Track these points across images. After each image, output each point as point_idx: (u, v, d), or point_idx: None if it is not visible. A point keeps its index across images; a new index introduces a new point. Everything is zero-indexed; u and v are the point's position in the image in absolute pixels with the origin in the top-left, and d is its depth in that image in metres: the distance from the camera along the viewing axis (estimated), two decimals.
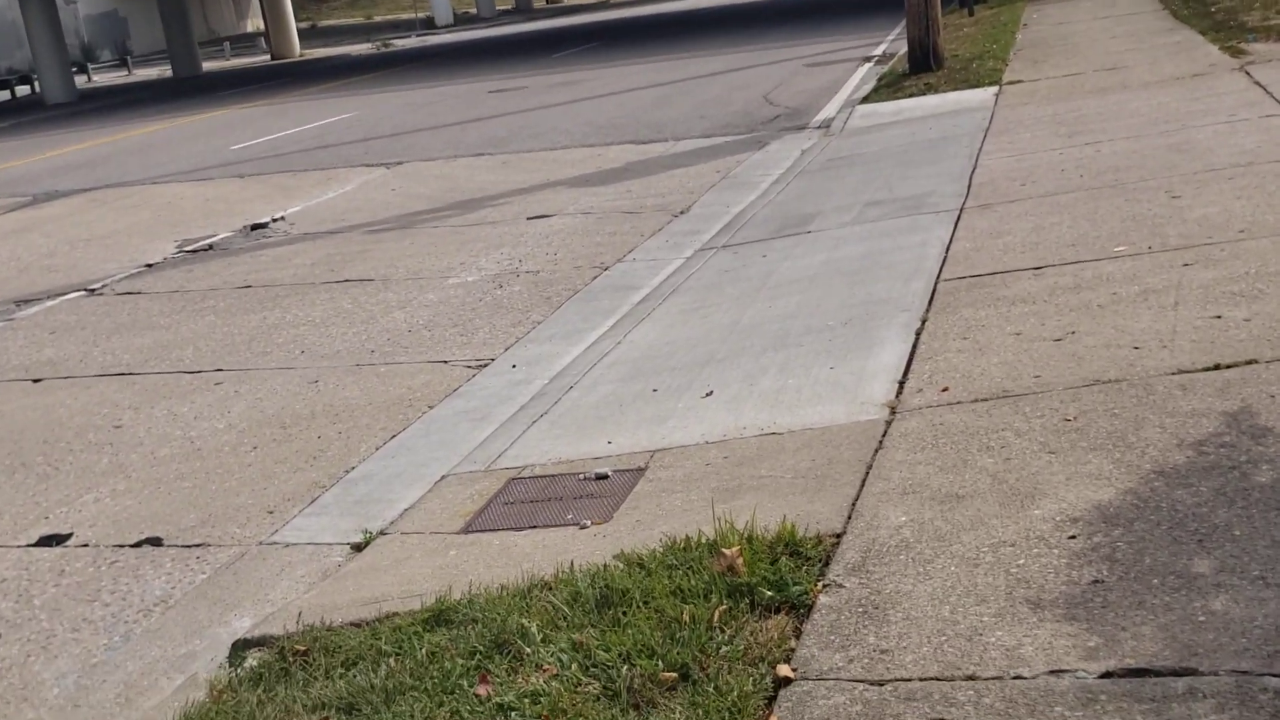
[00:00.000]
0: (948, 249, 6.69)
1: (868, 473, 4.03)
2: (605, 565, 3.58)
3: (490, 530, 4.31)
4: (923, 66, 13.42)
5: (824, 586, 3.29)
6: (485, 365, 6.53)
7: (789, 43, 22.36)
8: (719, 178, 10.61)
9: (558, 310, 7.34)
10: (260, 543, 4.79)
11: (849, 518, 3.71)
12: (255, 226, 11.11)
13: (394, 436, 5.65)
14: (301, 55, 41.93)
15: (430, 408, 5.97)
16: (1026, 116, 10.25)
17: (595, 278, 7.93)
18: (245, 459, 5.71)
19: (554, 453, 4.94)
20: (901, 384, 4.83)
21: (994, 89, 11.92)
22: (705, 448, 4.64)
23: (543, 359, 6.43)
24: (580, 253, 8.66)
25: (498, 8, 55.94)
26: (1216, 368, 4.27)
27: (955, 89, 12.35)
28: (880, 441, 4.28)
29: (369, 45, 41.64)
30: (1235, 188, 6.65)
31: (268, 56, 42.82)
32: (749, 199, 9.44)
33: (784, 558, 3.44)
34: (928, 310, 5.69)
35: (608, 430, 5.07)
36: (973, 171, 8.53)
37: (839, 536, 3.60)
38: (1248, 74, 10.15)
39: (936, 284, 6.08)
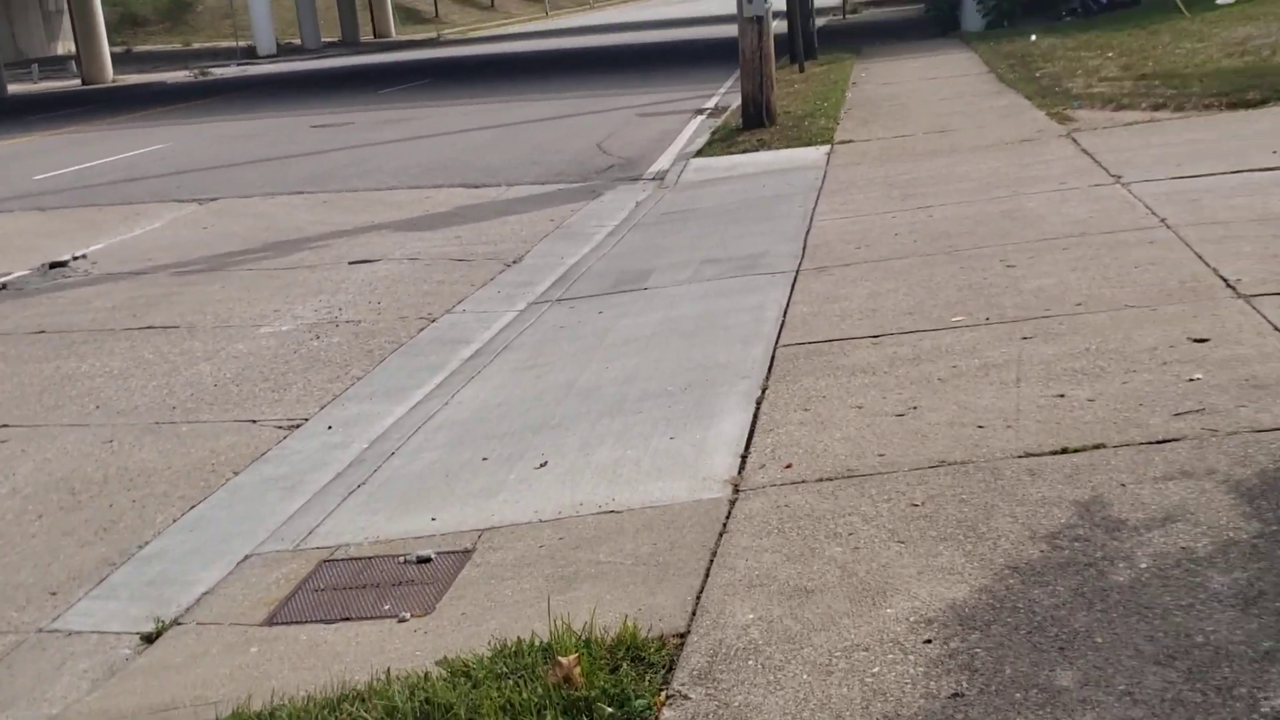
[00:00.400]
0: (785, 313, 6.55)
1: (712, 560, 3.79)
2: (426, 674, 3.23)
3: (297, 622, 3.91)
4: (756, 122, 13.45)
5: (668, 698, 3.02)
6: (298, 426, 6.10)
7: (621, 91, 22.34)
8: (553, 227, 10.35)
9: (380, 365, 6.95)
10: (40, 629, 4.30)
11: (694, 614, 3.46)
12: (54, 265, 10.35)
13: (193, 507, 5.18)
14: (115, 81, 40.17)
15: (235, 474, 5.51)
16: (859, 177, 10.30)
17: (421, 330, 7.55)
18: (29, 529, 5.17)
19: (371, 530, 4.56)
20: (744, 458, 4.62)
21: (826, 148, 11.99)
22: (539, 527, 4.33)
23: (362, 420, 6.03)
24: (406, 302, 8.27)
25: (323, 39, 54.82)
26: (1064, 451, 4.18)
27: (788, 146, 12.39)
28: (724, 524, 4.05)
29: (187, 73, 40.15)
30: (1070, 259, 6.69)
31: (78, 81, 40.89)
32: (584, 251, 9.20)
33: (625, 664, 3.15)
34: (767, 378, 5.51)
35: (432, 504, 4.72)
36: (807, 232, 8.47)
37: (683, 636, 3.33)
38: (1075, 141, 10.40)
39: (775, 350, 5.92)
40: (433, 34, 62.14)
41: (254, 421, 6.19)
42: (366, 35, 60.08)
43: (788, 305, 6.68)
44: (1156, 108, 11.51)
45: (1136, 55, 16.04)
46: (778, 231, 8.66)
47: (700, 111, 18.01)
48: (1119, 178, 8.65)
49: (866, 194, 9.53)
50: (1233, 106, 10.94)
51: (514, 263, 9.14)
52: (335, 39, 57.24)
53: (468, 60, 38.12)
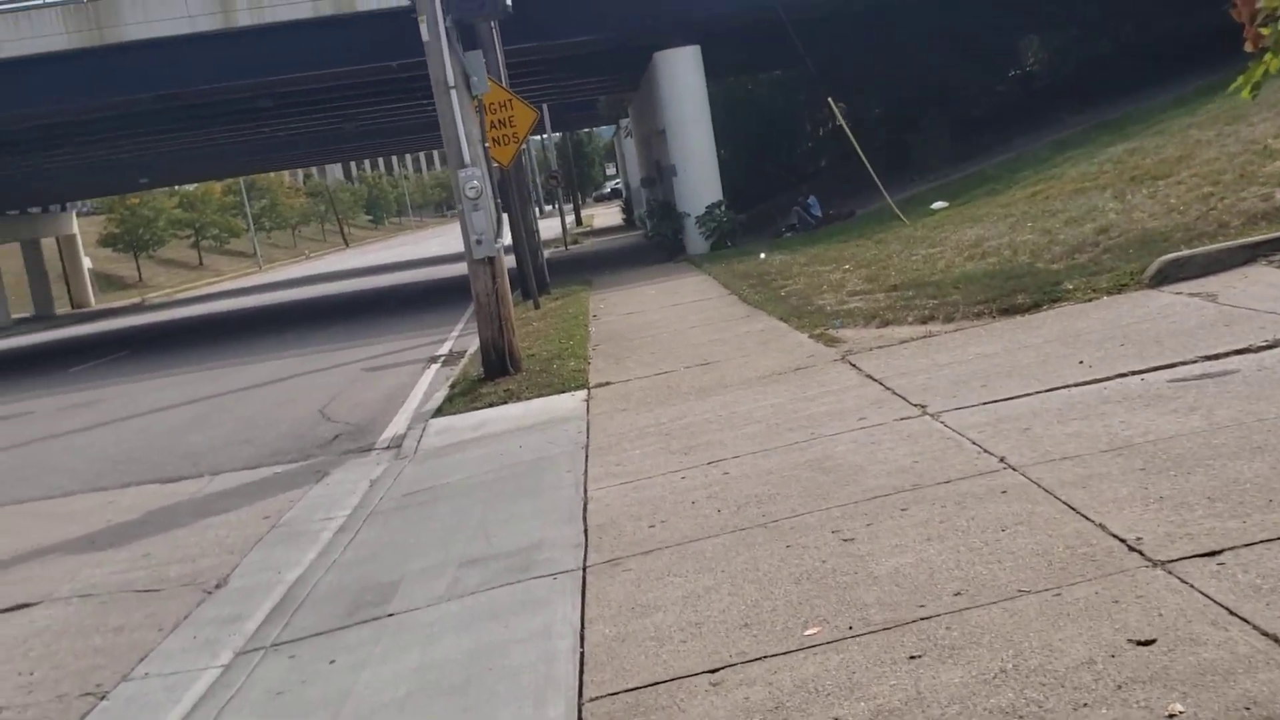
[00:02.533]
0: (582, 638, 4.98)
1: None
2: None
3: None
4: (500, 370, 12.06)
5: None
6: None
7: (344, 344, 20.74)
8: (268, 527, 8.49)
9: None
10: None
11: None
12: None
13: None
14: None
15: None
16: (628, 427, 8.96)
17: (87, 715, 5.54)
18: None
19: None
20: None
21: (583, 393, 10.67)
22: None
23: None
24: (69, 667, 6.21)
25: (14, 315, 51.01)
26: None
27: (540, 395, 11.01)
28: None
29: None
30: (916, 524, 5.42)
31: None
32: (308, 558, 7.40)
33: None
34: None
35: None
36: (585, 507, 6.98)
37: None
38: (854, 365, 9.41)
39: (582, 708, 4.30)
40: (136, 299, 59.18)
41: None
42: (64, 307, 56.56)
43: (583, 626, 5.11)
44: (925, 320, 10.78)
45: (875, 266, 15.70)
46: (549, 509, 7.14)
47: (434, 360, 16.58)
48: (924, 407, 7.60)
49: (643, 448, 8.17)
50: (1005, 313, 10.29)
51: (217, 586, 7.22)
52: (27, 314, 53.55)
53: (173, 325, 35.80)
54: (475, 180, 11.62)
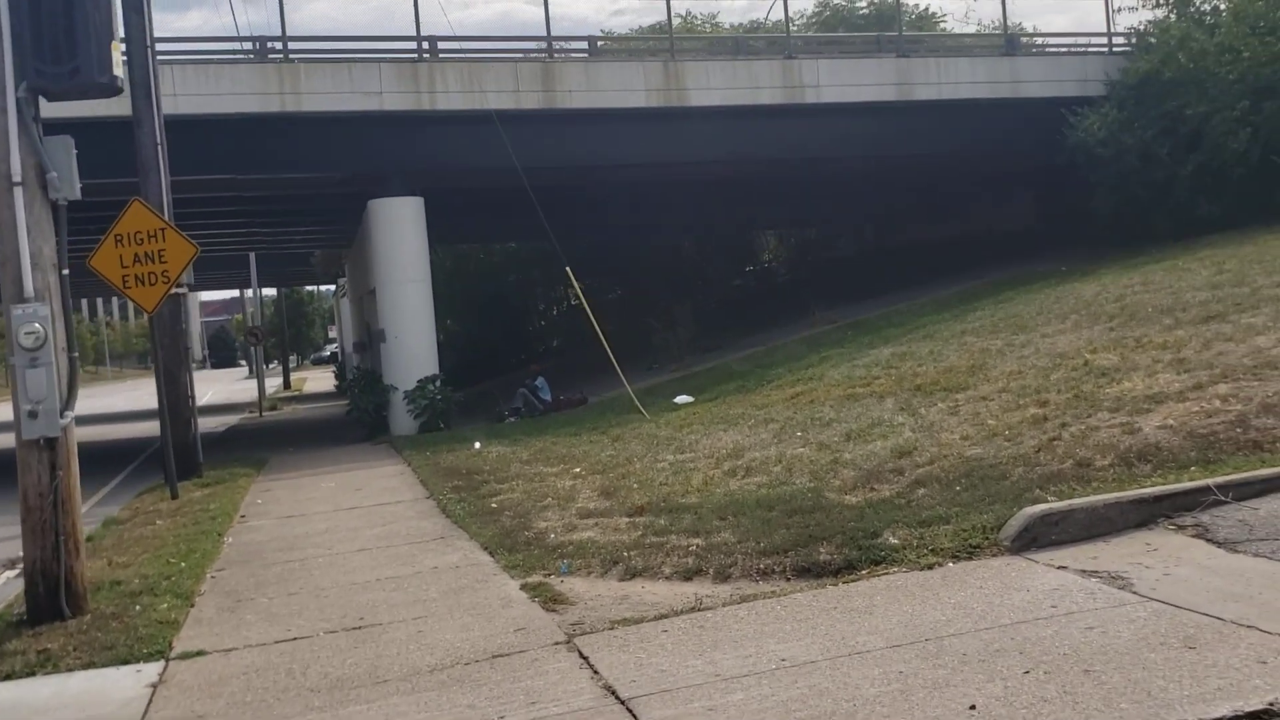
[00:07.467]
0: None
1: None
2: None
3: None
4: (50, 611, 7.87)
5: None
6: None
7: None
8: None
9: None
10: None
11: None
12: None
13: None
14: None
15: None
16: None
17: None
18: None
19: None
20: None
21: (155, 670, 6.69)
22: None
23: None
24: None
25: None
26: None
27: (91, 663, 6.95)
28: None
29: None
30: None
31: None
32: None
33: None
34: None
35: None
36: None
37: None
38: (586, 661, 5.88)
39: None
40: None
41: None
42: None
43: None
44: (689, 575, 7.47)
45: (614, 473, 12.44)
46: None
47: (13, 564, 12.07)
48: None
49: None
50: (805, 574, 7.09)
51: None
52: None
53: None
54: (36, 323, 7.68)
